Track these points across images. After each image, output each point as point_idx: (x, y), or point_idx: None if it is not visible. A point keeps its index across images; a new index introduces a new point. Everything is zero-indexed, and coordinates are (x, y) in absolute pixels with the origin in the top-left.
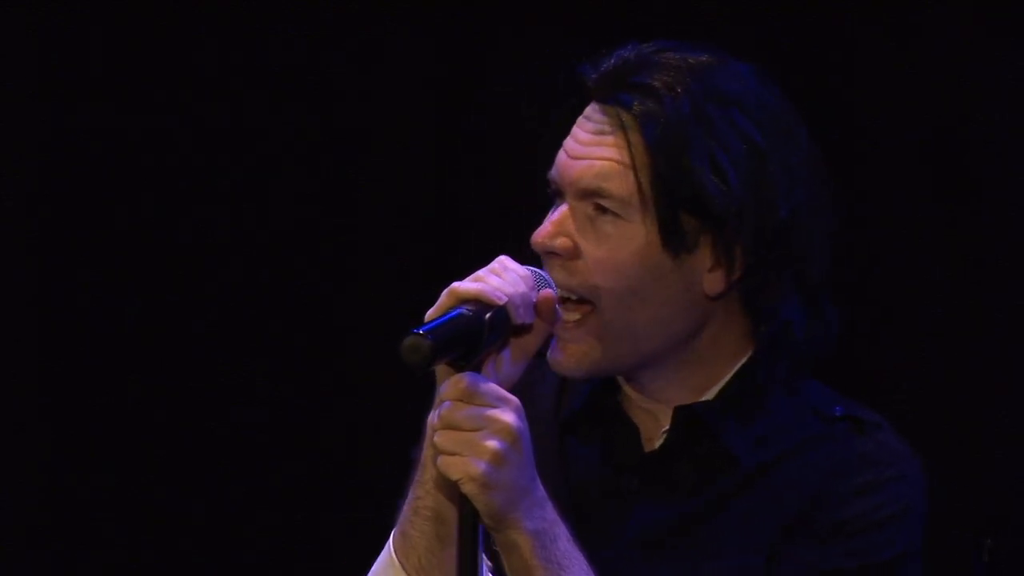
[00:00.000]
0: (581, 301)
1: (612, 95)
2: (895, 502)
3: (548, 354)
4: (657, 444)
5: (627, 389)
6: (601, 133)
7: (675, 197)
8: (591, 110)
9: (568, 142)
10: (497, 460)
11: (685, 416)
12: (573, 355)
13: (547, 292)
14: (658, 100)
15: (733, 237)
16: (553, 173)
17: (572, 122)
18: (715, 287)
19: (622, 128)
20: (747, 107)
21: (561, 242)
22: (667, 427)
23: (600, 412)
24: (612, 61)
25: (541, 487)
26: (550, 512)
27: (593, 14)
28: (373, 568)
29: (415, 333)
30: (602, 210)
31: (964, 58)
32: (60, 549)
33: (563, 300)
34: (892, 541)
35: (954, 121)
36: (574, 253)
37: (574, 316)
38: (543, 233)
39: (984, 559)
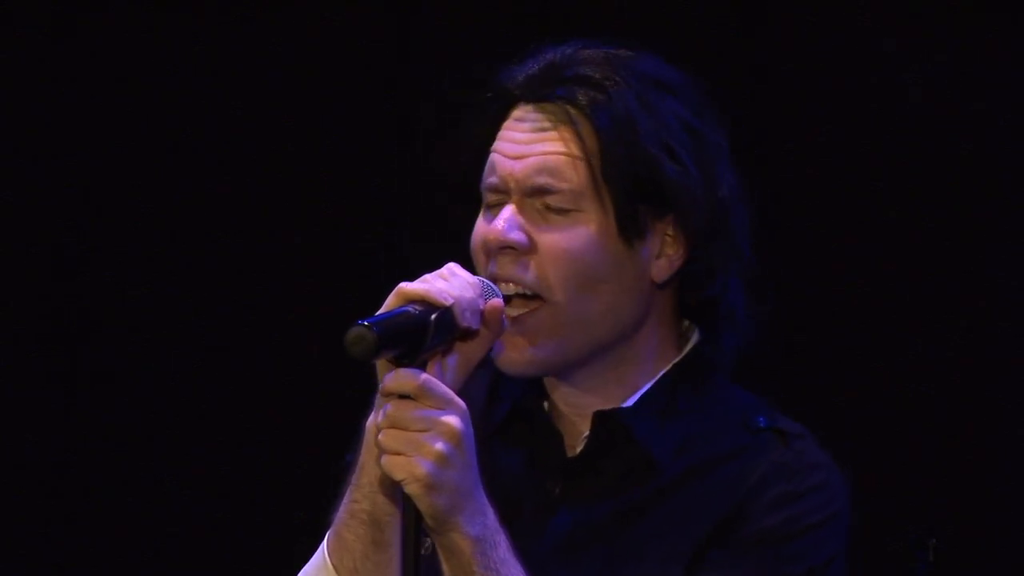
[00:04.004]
0: (532, 296)
1: (548, 93)
2: (817, 511)
3: (496, 354)
4: (579, 450)
5: (554, 395)
6: (541, 130)
7: (632, 182)
8: (522, 112)
9: (503, 145)
10: (442, 462)
11: (604, 421)
12: (526, 350)
13: (495, 301)
14: (601, 90)
15: (685, 219)
16: (492, 179)
17: (492, 131)
18: (662, 273)
19: (568, 121)
20: (675, 90)
21: (516, 236)
22: (587, 433)
23: (526, 417)
24: (536, 63)
25: (484, 493)
26: (491, 519)
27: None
28: (305, 569)
29: (360, 324)
30: (553, 203)
31: (964, 58)
32: (59, 548)
33: (513, 297)
34: (813, 550)
35: (954, 121)
36: (529, 247)
37: (523, 311)
38: (496, 229)
39: (929, 559)
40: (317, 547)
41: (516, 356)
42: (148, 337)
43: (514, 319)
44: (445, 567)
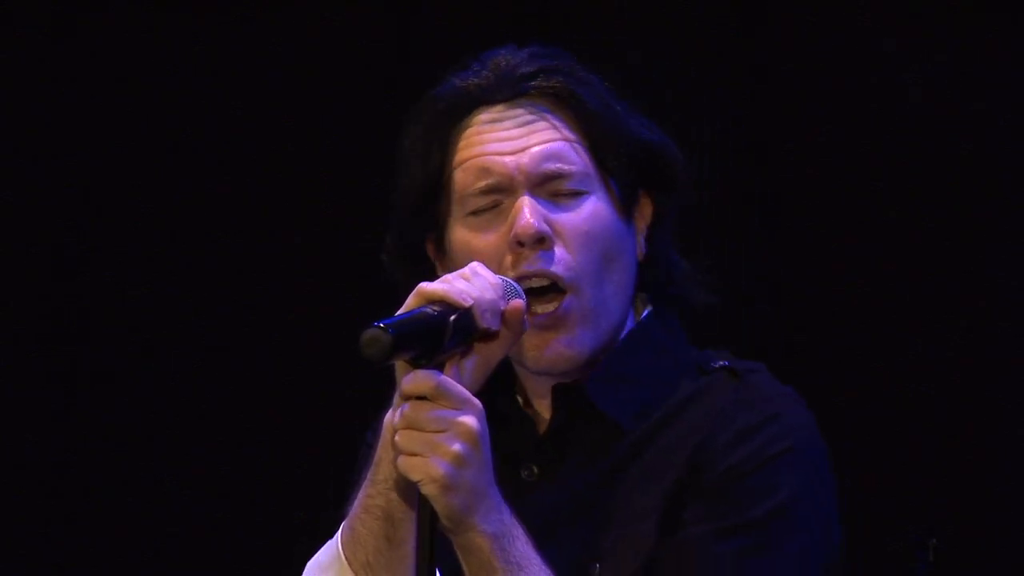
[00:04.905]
0: (561, 289)
1: (518, 89)
2: (775, 443)
3: (529, 355)
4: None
5: (532, 391)
6: (527, 123)
7: (637, 158)
8: (492, 115)
9: (490, 147)
10: (458, 462)
11: (564, 393)
12: (566, 346)
13: (517, 302)
14: (569, 76)
15: (680, 193)
16: (486, 181)
17: (447, 144)
18: (643, 249)
19: (552, 108)
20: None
21: (546, 226)
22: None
23: (500, 417)
24: (483, 70)
25: (498, 491)
26: (507, 515)
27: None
28: (317, 558)
29: (376, 326)
30: (564, 188)
31: (964, 58)
32: (59, 548)
33: (541, 292)
34: (778, 485)
35: (954, 121)
36: (553, 237)
37: (552, 306)
38: (529, 224)
39: (929, 559)
40: (318, 546)
41: (555, 352)
42: (148, 337)
43: (545, 317)
44: (465, 567)
